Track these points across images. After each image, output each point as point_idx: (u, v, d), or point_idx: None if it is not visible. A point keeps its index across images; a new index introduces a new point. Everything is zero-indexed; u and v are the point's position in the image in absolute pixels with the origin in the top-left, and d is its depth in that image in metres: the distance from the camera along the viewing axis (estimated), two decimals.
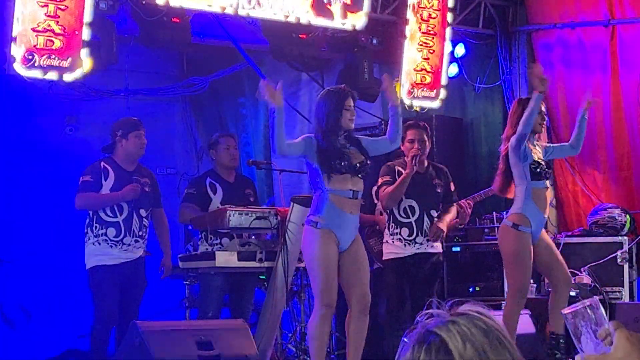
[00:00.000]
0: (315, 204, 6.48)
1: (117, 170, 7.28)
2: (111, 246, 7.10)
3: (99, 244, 7.10)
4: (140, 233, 7.25)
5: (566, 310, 1.92)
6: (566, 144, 7.35)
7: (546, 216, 7.24)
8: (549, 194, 7.25)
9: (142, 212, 7.26)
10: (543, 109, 7.19)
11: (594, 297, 1.94)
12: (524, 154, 6.98)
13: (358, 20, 8.66)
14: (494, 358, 1.73)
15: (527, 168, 7.01)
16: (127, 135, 7.30)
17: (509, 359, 1.74)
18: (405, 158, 7.68)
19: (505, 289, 8.70)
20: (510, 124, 7.16)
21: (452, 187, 7.96)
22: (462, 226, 8.62)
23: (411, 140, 7.70)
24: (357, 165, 6.46)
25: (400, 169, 7.70)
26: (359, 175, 6.50)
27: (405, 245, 7.68)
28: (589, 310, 1.90)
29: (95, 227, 7.12)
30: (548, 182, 7.21)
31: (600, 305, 1.92)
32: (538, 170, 7.03)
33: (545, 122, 7.26)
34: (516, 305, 7.09)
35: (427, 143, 7.76)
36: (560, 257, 7.28)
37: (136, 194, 7.20)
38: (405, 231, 7.69)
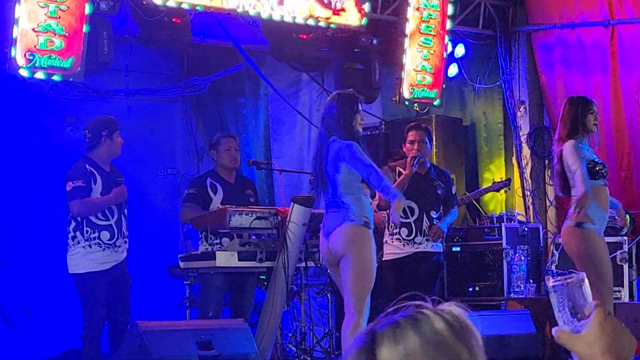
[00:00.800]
0: (360, 205, 6.36)
1: (100, 173, 7.20)
2: (103, 249, 7.06)
3: (90, 247, 7.04)
4: (127, 233, 7.25)
5: (551, 283, 1.89)
6: None
7: (607, 214, 7.08)
8: (607, 193, 7.07)
9: (125, 212, 7.26)
10: (595, 108, 7.13)
11: (580, 273, 1.91)
12: (582, 155, 6.93)
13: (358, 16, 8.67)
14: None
15: (585, 167, 6.94)
16: (111, 135, 7.23)
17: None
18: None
19: (505, 289, 8.74)
20: (563, 124, 7.07)
21: (454, 191, 7.97)
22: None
23: (412, 142, 7.72)
24: None
25: (400, 169, 7.71)
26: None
27: (404, 245, 7.70)
28: (572, 287, 1.87)
29: (87, 231, 7.04)
30: (605, 181, 7.08)
31: (586, 282, 1.90)
32: (596, 168, 6.96)
33: (597, 122, 7.18)
34: (607, 300, 6.81)
35: (427, 145, 7.76)
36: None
37: (125, 197, 7.18)
38: (404, 231, 7.70)
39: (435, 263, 7.81)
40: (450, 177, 8.01)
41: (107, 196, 7.12)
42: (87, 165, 7.15)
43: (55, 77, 7.24)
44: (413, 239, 7.70)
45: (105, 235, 7.05)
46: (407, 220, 7.72)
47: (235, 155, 7.95)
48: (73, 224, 7.10)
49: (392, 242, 7.74)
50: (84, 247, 7.05)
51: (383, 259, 7.78)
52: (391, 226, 7.75)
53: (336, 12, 8.49)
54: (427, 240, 7.72)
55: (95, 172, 7.14)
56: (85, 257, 7.05)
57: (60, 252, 9.13)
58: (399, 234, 7.72)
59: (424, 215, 7.72)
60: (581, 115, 6.98)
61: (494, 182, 9.19)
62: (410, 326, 1.71)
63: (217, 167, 8.02)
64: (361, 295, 6.25)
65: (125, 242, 7.20)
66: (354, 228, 6.29)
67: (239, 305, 7.75)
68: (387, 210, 7.79)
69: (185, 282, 7.95)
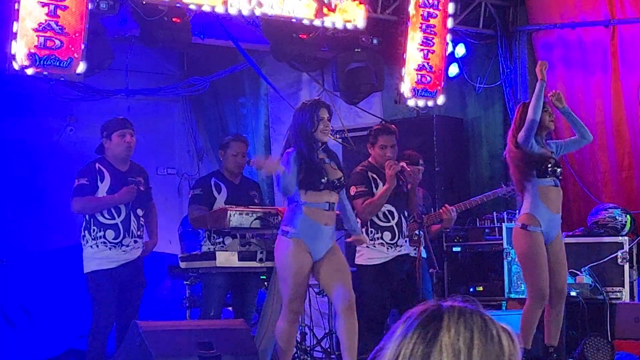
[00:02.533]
0: (288, 215, 6.43)
1: (111, 172, 7.20)
2: (110, 248, 7.06)
3: (97, 246, 7.05)
4: (139, 233, 7.21)
5: None
6: (575, 137, 7.30)
7: (557, 215, 7.15)
8: (557, 193, 7.17)
9: (139, 212, 7.22)
10: (548, 107, 7.19)
11: None
12: (531, 149, 6.98)
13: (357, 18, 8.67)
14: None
15: (533, 165, 7.01)
16: (110, 135, 7.21)
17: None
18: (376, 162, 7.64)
19: (506, 289, 8.73)
20: (516, 126, 7.12)
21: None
22: (447, 230, 8.54)
23: (383, 147, 7.67)
24: (336, 181, 6.40)
25: (373, 175, 7.65)
26: (336, 191, 6.46)
27: (388, 248, 7.65)
28: None
29: (93, 230, 7.06)
30: (554, 180, 7.14)
31: None
32: (543, 167, 7.02)
33: (553, 120, 7.23)
34: (535, 306, 7.06)
35: (396, 147, 7.74)
36: (563, 268, 7.24)
37: (132, 196, 7.15)
38: (387, 235, 7.65)
39: (413, 261, 7.75)
40: None
41: (111, 195, 7.12)
42: (97, 164, 7.16)
43: (55, 77, 7.23)
44: (396, 242, 7.66)
45: (110, 234, 7.04)
46: (389, 224, 7.68)
47: (241, 162, 7.91)
48: (83, 223, 7.14)
49: (375, 247, 7.67)
50: (91, 246, 7.07)
51: (365, 264, 7.73)
52: (371, 232, 7.69)
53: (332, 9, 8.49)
54: (406, 241, 7.70)
55: (105, 171, 7.12)
56: (93, 256, 7.07)
57: (60, 252, 9.14)
58: (382, 238, 7.66)
59: (402, 217, 7.70)
60: None
61: (502, 186, 8.96)
62: (479, 321, 1.81)
63: (223, 168, 8.00)
64: (284, 298, 6.56)
65: (135, 242, 7.16)
66: (278, 238, 6.57)
67: (242, 305, 7.75)
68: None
69: (185, 282, 7.95)
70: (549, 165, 7.04)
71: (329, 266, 6.43)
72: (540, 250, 7.04)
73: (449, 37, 9.46)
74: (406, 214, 7.74)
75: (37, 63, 7.03)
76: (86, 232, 7.11)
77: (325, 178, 6.32)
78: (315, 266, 6.44)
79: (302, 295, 6.50)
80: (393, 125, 8.00)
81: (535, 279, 7.07)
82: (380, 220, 7.67)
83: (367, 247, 7.68)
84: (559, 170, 7.14)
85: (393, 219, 7.68)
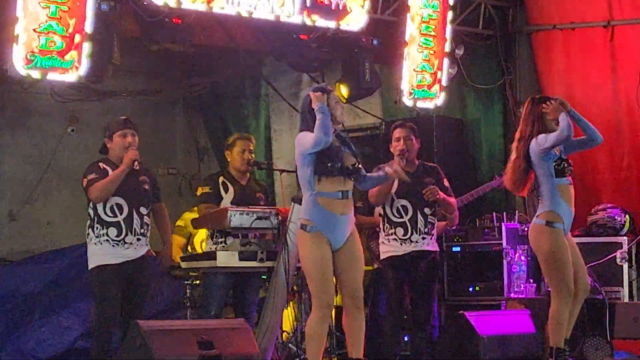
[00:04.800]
0: (305, 206, 6.36)
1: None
2: (113, 246, 7.04)
3: (101, 244, 7.03)
4: (142, 231, 7.17)
5: None
6: (584, 137, 7.14)
7: (573, 212, 7.13)
8: (572, 190, 7.15)
9: (143, 210, 7.19)
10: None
11: None
12: (549, 154, 6.95)
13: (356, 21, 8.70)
14: None
15: (552, 166, 6.97)
16: (111, 136, 7.17)
17: None
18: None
19: (505, 289, 8.75)
20: (525, 123, 7.06)
21: (446, 183, 7.94)
22: (453, 228, 8.55)
23: (397, 139, 7.74)
24: (350, 167, 6.35)
25: (388, 168, 7.69)
26: (351, 178, 6.41)
27: (401, 244, 7.70)
28: None
29: (97, 227, 7.04)
30: (570, 179, 7.10)
31: None
32: (561, 167, 7.00)
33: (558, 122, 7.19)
34: (564, 304, 6.94)
35: (413, 142, 7.77)
36: (582, 262, 7.19)
37: (134, 159, 7.04)
38: (400, 231, 7.70)
39: (432, 262, 7.78)
40: (440, 171, 7.97)
41: (118, 169, 7.03)
42: (100, 164, 7.13)
43: (56, 78, 7.25)
44: (409, 238, 7.70)
45: (112, 231, 7.00)
46: (402, 220, 7.72)
47: (249, 157, 7.91)
48: (88, 222, 7.10)
49: (389, 242, 7.75)
50: (95, 244, 7.02)
51: (381, 259, 7.81)
52: (386, 227, 7.75)
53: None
54: (422, 238, 7.72)
55: (110, 170, 7.08)
56: (97, 253, 7.02)
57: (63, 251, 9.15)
58: (395, 233, 7.71)
59: (418, 213, 7.72)
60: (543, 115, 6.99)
61: (495, 178, 9.07)
62: None
63: (230, 168, 8.00)
64: (313, 293, 6.37)
65: (138, 240, 7.10)
66: (299, 233, 6.40)
67: (242, 305, 7.76)
68: (382, 210, 7.80)
69: (186, 282, 7.96)
70: (565, 165, 7.02)
71: (345, 260, 6.36)
72: (565, 246, 6.95)
73: (448, 37, 9.48)
74: (426, 210, 7.77)
75: (39, 64, 7.05)
76: (90, 230, 7.08)
77: (339, 164, 6.29)
78: (334, 255, 6.36)
79: (331, 288, 6.32)
80: (410, 122, 8.04)
81: (563, 276, 6.93)
82: (394, 215, 7.73)
83: (382, 242, 7.78)
84: (571, 168, 7.10)
85: (407, 214, 7.72)
